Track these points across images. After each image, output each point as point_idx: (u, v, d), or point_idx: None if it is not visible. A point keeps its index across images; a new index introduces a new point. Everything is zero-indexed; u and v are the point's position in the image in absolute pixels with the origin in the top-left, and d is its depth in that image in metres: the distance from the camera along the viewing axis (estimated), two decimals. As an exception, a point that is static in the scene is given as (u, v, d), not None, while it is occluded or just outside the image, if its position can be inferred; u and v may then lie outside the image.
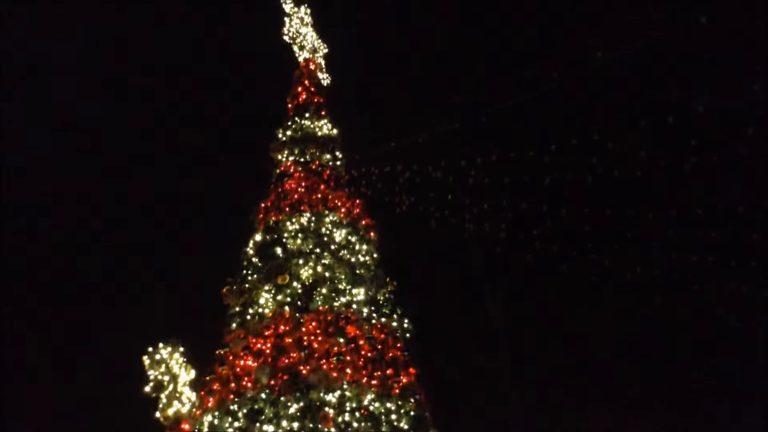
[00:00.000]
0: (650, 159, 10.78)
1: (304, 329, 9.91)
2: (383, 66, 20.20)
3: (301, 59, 14.12)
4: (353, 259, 11.01)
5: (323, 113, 13.00)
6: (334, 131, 12.77)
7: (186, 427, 8.70)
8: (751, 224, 10.82)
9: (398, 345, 10.50)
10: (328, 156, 12.35)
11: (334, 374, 9.36)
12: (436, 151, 12.38)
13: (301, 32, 14.37)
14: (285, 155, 12.33)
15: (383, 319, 10.50)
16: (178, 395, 8.66)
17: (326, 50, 14.66)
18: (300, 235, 10.99)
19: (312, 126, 12.65)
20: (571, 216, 11.93)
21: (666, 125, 10.34)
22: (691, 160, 10.31)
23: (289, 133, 12.59)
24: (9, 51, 15.47)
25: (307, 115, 12.82)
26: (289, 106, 13.12)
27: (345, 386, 9.31)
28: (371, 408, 9.29)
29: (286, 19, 14.32)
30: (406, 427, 9.39)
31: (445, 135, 12.60)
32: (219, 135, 18.76)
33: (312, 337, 9.77)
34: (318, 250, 10.81)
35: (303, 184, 11.66)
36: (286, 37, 14.29)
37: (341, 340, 9.84)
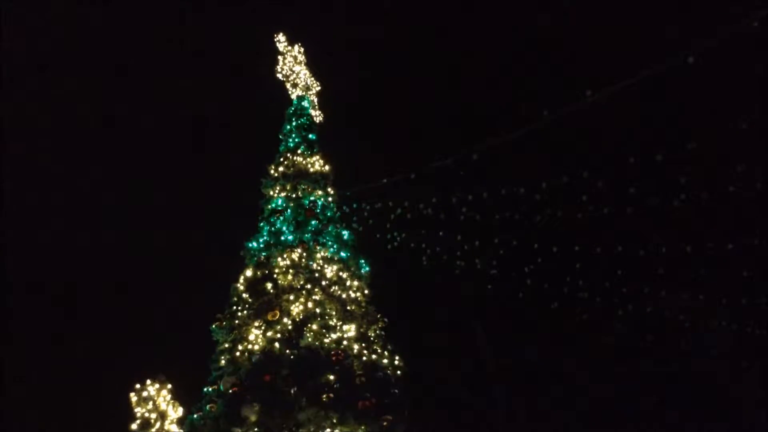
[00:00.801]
0: (640, 195, 10.87)
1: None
2: (376, 103, 20.41)
3: (293, 96, 14.26)
4: (344, 295, 10.96)
5: (315, 149, 13.08)
6: (327, 167, 12.83)
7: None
8: (741, 262, 10.88)
9: (390, 382, 10.38)
10: (320, 192, 12.38)
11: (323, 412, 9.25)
12: (427, 188, 12.46)
13: (295, 70, 14.55)
14: (277, 191, 12.36)
15: (374, 356, 10.39)
16: (165, 433, 8.48)
17: (319, 87, 14.83)
18: (291, 270, 10.95)
19: (304, 162, 12.71)
20: (562, 253, 11.97)
21: (655, 162, 10.45)
22: (680, 196, 10.41)
23: (281, 169, 12.64)
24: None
25: (299, 151, 12.90)
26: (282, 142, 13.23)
27: (335, 422, 9.17)
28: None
29: (280, 58, 14.51)
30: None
31: (437, 172, 12.67)
32: (211, 169, 18.79)
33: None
34: (309, 286, 10.76)
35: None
36: (279, 75, 14.47)
37: (332, 377, 9.73)
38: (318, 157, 12.93)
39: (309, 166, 12.69)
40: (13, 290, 15.23)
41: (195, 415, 9.49)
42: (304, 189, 12.34)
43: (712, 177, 10.62)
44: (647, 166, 10.57)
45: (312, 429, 9.05)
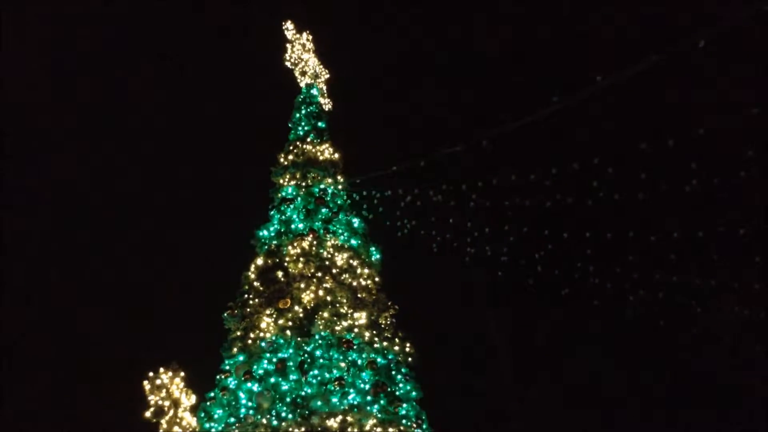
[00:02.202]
0: (650, 181, 10.82)
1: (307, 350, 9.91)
2: (386, 89, 20.36)
3: (302, 84, 14.24)
4: (355, 283, 11.00)
5: (325, 137, 13.08)
6: (336, 155, 12.82)
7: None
8: (750, 246, 10.83)
9: (401, 370, 10.43)
10: (330, 180, 12.38)
11: (335, 400, 9.33)
12: (437, 175, 12.43)
13: (303, 58, 14.52)
14: (287, 179, 12.37)
15: (385, 343, 10.44)
16: (178, 420, 8.58)
17: (327, 75, 14.79)
18: (301, 258, 10.99)
19: (314, 150, 12.71)
20: (573, 239, 11.94)
21: (666, 148, 10.40)
22: (691, 182, 10.35)
23: (291, 157, 12.64)
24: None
25: (308, 139, 12.90)
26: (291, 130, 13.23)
27: (347, 411, 9.24)
28: (373, 434, 9.21)
29: (288, 46, 14.48)
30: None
31: (447, 158, 12.64)
32: (221, 158, 18.83)
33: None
34: (319, 274, 10.81)
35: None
36: (288, 63, 14.44)
37: (343, 364, 9.79)
38: (327, 145, 12.92)
39: (318, 154, 12.69)
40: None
41: (208, 403, 9.59)
42: (313, 177, 12.34)
43: (723, 162, 10.56)
44: (659, 151, 10.51)
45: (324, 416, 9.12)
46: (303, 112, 13.56)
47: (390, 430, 9.34)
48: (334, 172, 12.58)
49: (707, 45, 8.95)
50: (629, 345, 16.68)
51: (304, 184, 12.29)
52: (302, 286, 10.63)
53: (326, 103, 14.51)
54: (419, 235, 12.52)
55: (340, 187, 12.49)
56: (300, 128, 13.22)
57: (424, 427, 9.87)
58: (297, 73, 14.41)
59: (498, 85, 18.98)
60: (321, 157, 12.64)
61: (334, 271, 10.96)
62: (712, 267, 11.21)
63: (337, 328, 10.15)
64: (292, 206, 11.91)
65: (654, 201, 11.20)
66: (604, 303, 12.71)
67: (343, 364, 9.79)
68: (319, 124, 13.38)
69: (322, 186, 12.19)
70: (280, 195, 12.28)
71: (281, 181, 12.44)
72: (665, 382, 16.81)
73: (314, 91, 14.07)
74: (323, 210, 11.80)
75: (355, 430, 9.13)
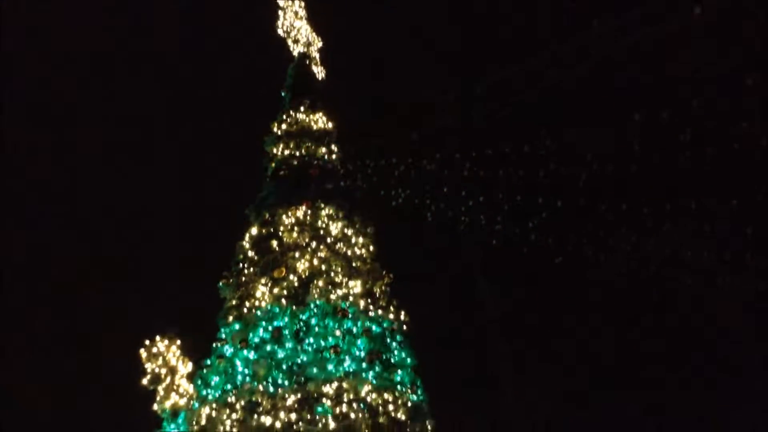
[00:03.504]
0: (644, 153, 10.85)
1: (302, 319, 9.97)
2: (380, 59, 20.21)
3: (295, 53, 14.11)
4: (349, 252, 11.02)
5: (319, 106, 13.00)
6: (330, 124, 12.76)
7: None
8: (746, 218, 10.91)
9: (395, 337, 10.52)
10: (324, 149, 12.33)
11: (331, 367, 9.42)
12: (431, 145, 12.43)
13: (296, 26, 14.37)
14: (280, 149, 12.32)
15: (380, 312, 10.51)
16: (175, 388, 8.64)
17: (321, 44, 14.66)
18: (296, 228, 10.99)
19: (307, 119, 12.64)
20: (567, 209, 12.00)
21: (660, 119, 10.42)
22: (685, 153, 10.40)
23: (284, 126, 12.58)
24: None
25: (302, 108, 12.82)
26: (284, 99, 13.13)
27: (343, 378, 9.33)
28: (369, 399, 9.31)
29: (281, 13, 14.31)
30: (403, 418, 9.41)
31: (441, 129, 12.64)
32: (214, 128, 18.69)
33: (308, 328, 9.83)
34: (314, 243, 10.82)
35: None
36: (280, 31, 14.29)
37: (338, 332, 9.86)
38: (321, 113, 12.85)
39: (312, 123, 12.63)
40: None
41: (205, 370, 9.65)
42: (307, 146, 12.29)
43: (717, 133, 10.59)
44: (651, 122, 10.53)
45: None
46: (296, 81, 13.45)
47: (385, 395, 9.44)
48: (328, 141, 12.53)
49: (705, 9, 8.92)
50: (622, 314, 16.86)
51: (297, 153, 12.24)
52: (297, 255, 10.64)
53: (319, 72, 14.40)
54: (414, 204, 12.54)
55: (334, 156, 12.45)
56: (293, 97, 13.12)
57: (419, 392, 9.99)
58: (290, 42, 14.27)
59: (494, 56, 18.84)
60: (315, 127, 12.58)
61: (328, 240, 10.97)
62: (706, 239, 11.29)
63: (332, 296, 10.19)
64: (285, 175, 11.87)
65: (648, 172, 11.26)
66: (597, 273, 12.84)
67: (338, 332, 9.84)
68: (312, 92, 13.29)
69: (316, 155, 12.14)
70: (273, 164, 12.23)
71: (275, 150, 12.39)
72: (659, 350, 16.98)
73: (307, 60, 13.95)
74: (317, 179, 11.77)
75: (351, 396, 9.21)
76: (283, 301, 10.20)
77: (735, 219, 11.01)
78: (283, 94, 13.36)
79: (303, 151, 12.22)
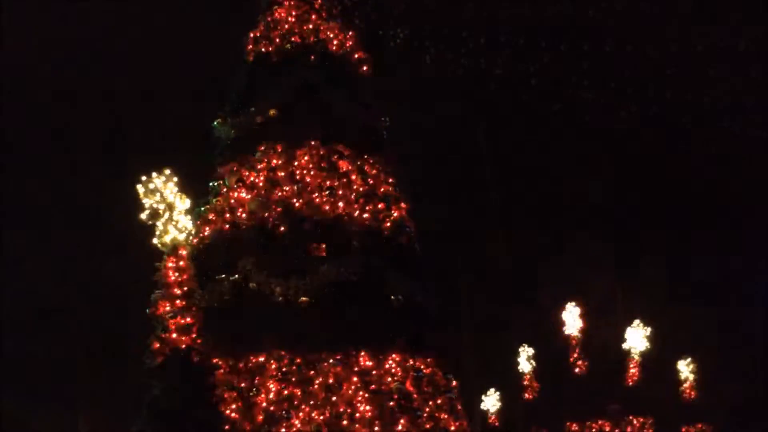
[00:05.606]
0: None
1: (296, 163, 9.98)
2: None
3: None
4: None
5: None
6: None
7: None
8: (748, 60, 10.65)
9: (389, 180, 10.59)
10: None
11: (326, 207, 9.58)
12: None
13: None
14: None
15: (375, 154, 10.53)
16: (174, 223, 8.77)
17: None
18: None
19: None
20: (569, 53, 11.67)
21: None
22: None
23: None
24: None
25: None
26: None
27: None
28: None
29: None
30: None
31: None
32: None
33: (305, 171, 9.88)
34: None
35: (293, 13, 11.17)
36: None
37: (333, 174, 9.94)
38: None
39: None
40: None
41: (202, 208, 9.82)
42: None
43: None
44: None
45: None
46: None
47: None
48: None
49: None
50: (619, 161, 16.87)
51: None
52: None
53: None
54: (413, 45, 12.15)
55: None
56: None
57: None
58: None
59: None
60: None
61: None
62: (708, 82, 11.05)
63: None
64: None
65: (653, 13, 10.85)
66: (595, 119, 12.71)
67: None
68: None
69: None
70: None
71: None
72: (660, 200, 17.08)
73: None
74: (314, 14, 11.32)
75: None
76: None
77: (742, 60, 10.71)
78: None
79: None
